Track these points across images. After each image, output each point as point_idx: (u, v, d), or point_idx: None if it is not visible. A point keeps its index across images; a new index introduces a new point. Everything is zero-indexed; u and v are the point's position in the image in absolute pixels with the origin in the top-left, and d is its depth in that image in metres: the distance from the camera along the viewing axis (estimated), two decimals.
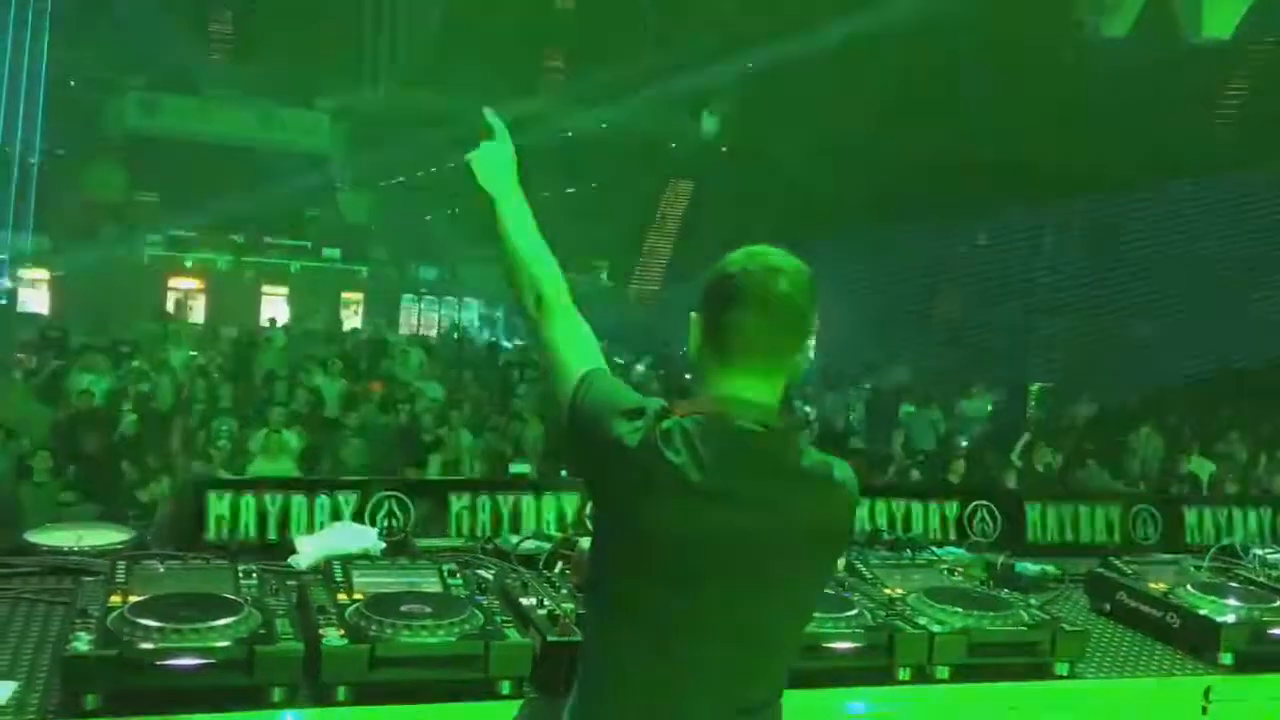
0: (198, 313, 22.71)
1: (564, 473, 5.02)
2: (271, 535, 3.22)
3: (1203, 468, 11.64)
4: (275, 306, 22.85)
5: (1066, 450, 12.37)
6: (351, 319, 23.16)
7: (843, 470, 2.00)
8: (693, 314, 2.01)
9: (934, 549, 3.53)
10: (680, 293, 25.03)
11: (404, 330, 22.82)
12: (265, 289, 23.59)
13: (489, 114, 2.33)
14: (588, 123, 24.21)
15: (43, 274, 21.91)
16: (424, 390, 13.66)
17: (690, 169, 27.26)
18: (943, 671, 2.67)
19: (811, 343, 2.00)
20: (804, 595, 2.04)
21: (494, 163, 2.25)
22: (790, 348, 1.96)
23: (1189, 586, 3.14)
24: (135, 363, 14.04)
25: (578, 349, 2.07)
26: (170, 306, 22.08)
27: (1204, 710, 2.84)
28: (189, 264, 23.45)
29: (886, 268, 20.89)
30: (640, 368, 17.02)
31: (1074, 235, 18.55)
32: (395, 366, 16.17)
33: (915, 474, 11.33)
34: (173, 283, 23.14)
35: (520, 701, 2.34)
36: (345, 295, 23.95)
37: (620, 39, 23.50)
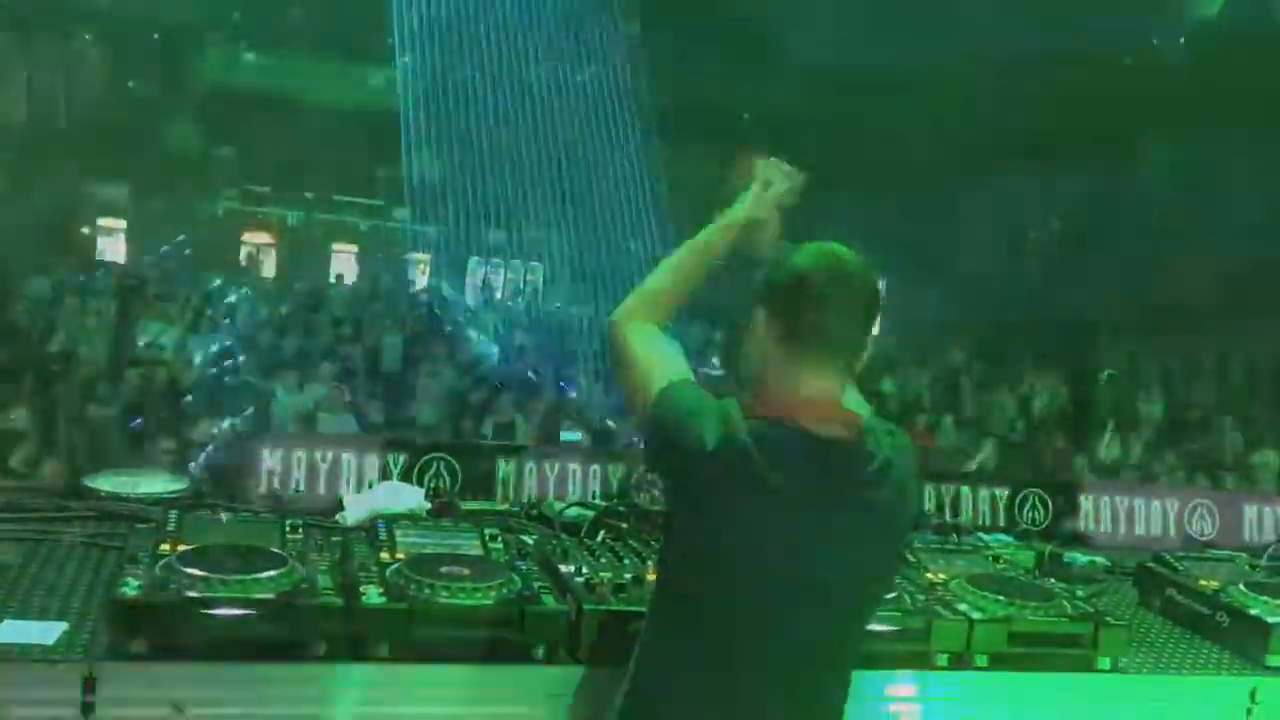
0: (269, 267, 23.08)
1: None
2: (321, 490, 3.28)
3: (1267, 461, 11.33)
4: (344, 263, 23.17)
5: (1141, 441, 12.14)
6: (419, 279, 23.39)
7: (909, 457, 2.04)
8: (759, 311, 2.02)
9: (981, 535, 3.49)
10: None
11: (469, 292, 23.01)
12: (335, 246, 23.90)
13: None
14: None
15: (120, 223, 22.36)
16: (480, 351, 13.79)
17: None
18: (981, 659, 2.64)
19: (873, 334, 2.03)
20: (870, 596, 2.09)
21: (758, 204, 2.30)
22: (859, 345, 2.01)
23: (1241, 585, 3.08)
24: (207, 313, 14.32)
25: (664, 358, 2.09)
26: (243, 259, 22.50)
27: (1249, 712, 2.79)
28: (262, 219, 23.81)
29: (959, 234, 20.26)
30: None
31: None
32: (454, 326, 16.32)
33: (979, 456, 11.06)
34: (246, 237, 23.53)
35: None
36: (413, 255, 24.14)
37: None
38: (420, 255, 24.79)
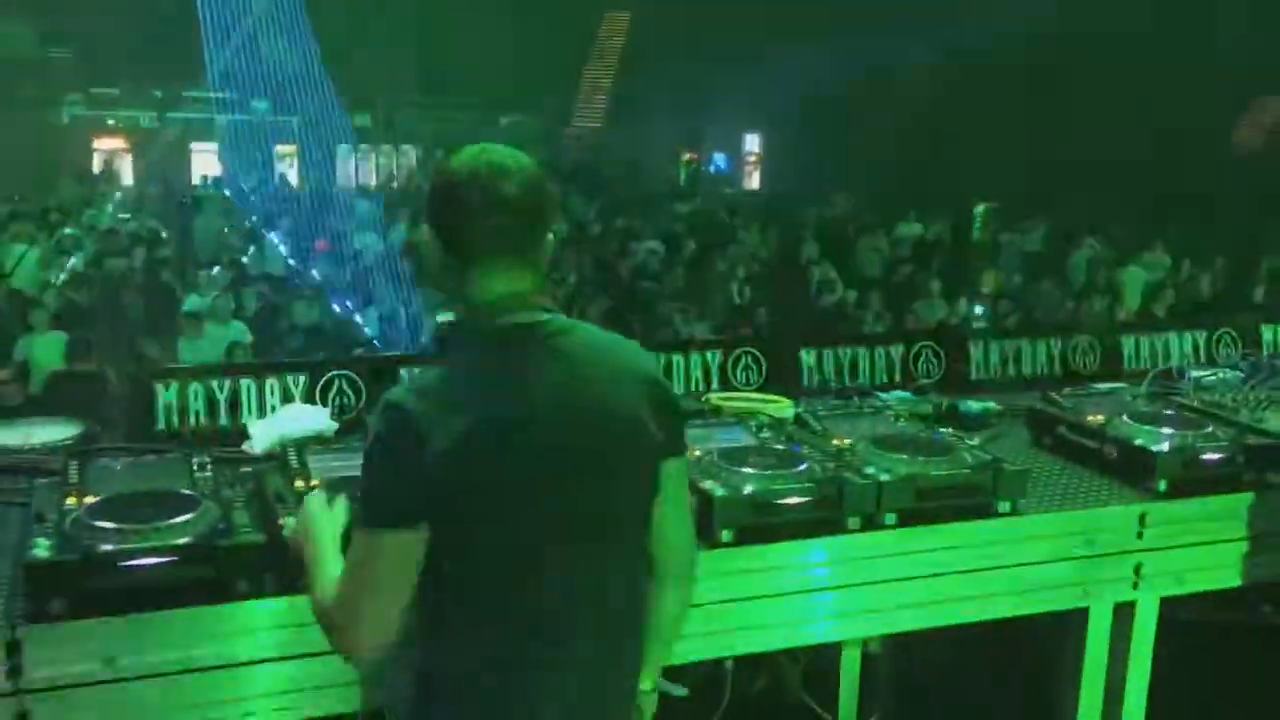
0: (126, 174, 22.06)
1: None
2: (223, 421, 3.22)
3: (1135, 279, 11.67)
4: (207, 163, 22.24)
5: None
6: (289, 173, 22.61)
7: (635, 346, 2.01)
8: (424, 225, 1.96)
9: (880, 395, 3.60)
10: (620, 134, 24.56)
11: (341, 182, 22.34)
12: (195, 145, 22.89)
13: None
14: None
15: None
16: (366, 244, 13.49)
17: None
18: (890, 518, 2.76)
19: (552, 236, 1.94)
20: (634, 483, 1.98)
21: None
22: (533, 243, 1.92)
23: (1125, 417, 3.24)
24: (68, 230, 13.64)
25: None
26: (97, 168, 21.45)
27: (1139, 535, 2.98)
28: (112, 123, 22.62)
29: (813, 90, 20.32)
30: (591, 214, 16.77)
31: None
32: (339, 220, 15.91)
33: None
34: (98, 144, 22.39)
35: None
36: (279, 148, 23.27)
37: None
38: (286, 147, 23.86)
